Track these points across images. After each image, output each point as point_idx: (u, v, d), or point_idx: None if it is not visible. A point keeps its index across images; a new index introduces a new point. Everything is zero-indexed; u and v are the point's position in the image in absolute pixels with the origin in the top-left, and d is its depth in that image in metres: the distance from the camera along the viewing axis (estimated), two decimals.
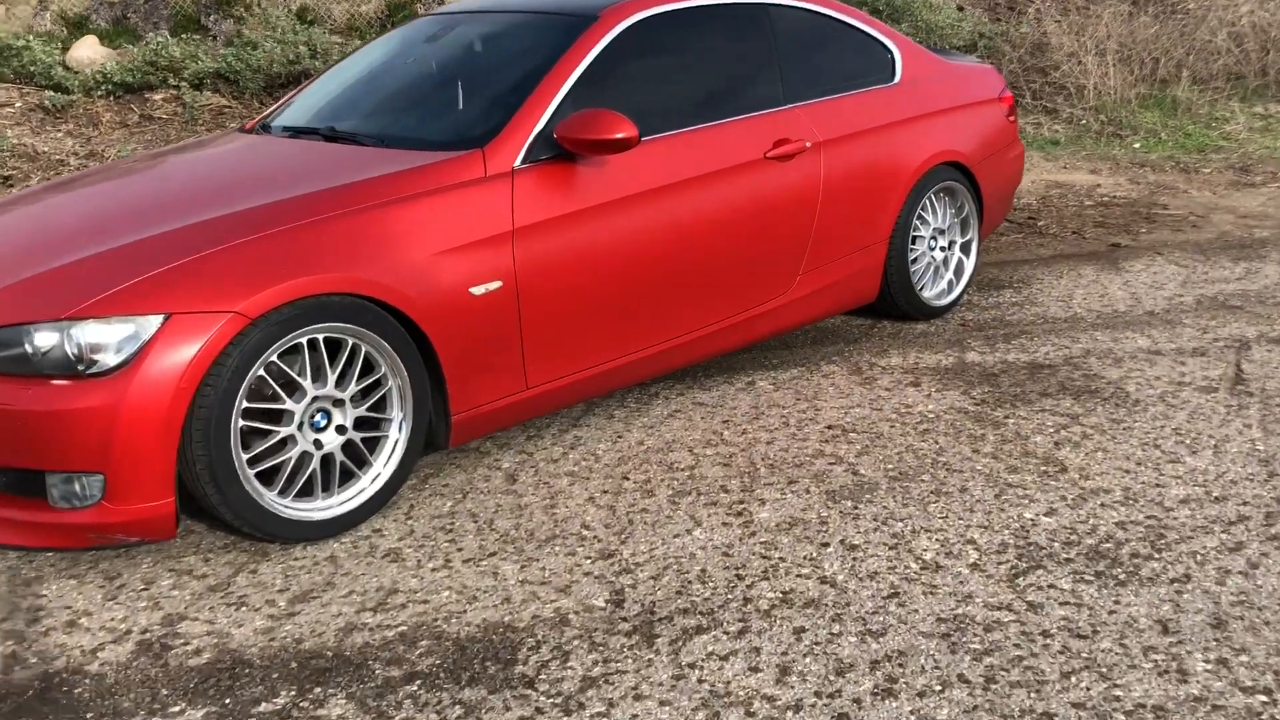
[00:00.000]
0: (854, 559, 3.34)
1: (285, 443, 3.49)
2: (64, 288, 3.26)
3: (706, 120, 4.48)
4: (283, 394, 3.41)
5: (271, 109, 4.99)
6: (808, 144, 4.72)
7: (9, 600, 3.28)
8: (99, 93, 9.26)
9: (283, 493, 3.48)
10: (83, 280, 3.27)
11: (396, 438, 3.68)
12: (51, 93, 9.17)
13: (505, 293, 3.78)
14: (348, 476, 3.65)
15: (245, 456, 3.37)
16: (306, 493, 3.55)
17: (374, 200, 3.61)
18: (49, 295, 3.24)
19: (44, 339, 3.12)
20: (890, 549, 3.39)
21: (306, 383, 3.45)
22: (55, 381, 3.15)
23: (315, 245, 3.41)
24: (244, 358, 3.26)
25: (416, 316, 3.58)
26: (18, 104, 9.04)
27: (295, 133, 4.50)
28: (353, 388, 3.55)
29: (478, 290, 3.71)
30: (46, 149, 8.22)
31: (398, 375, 3.62)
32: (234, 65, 9.40)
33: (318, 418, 3.52)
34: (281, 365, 3.39)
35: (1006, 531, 3.48)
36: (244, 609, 3.21)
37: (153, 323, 3.17)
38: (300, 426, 3.48)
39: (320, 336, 3.44)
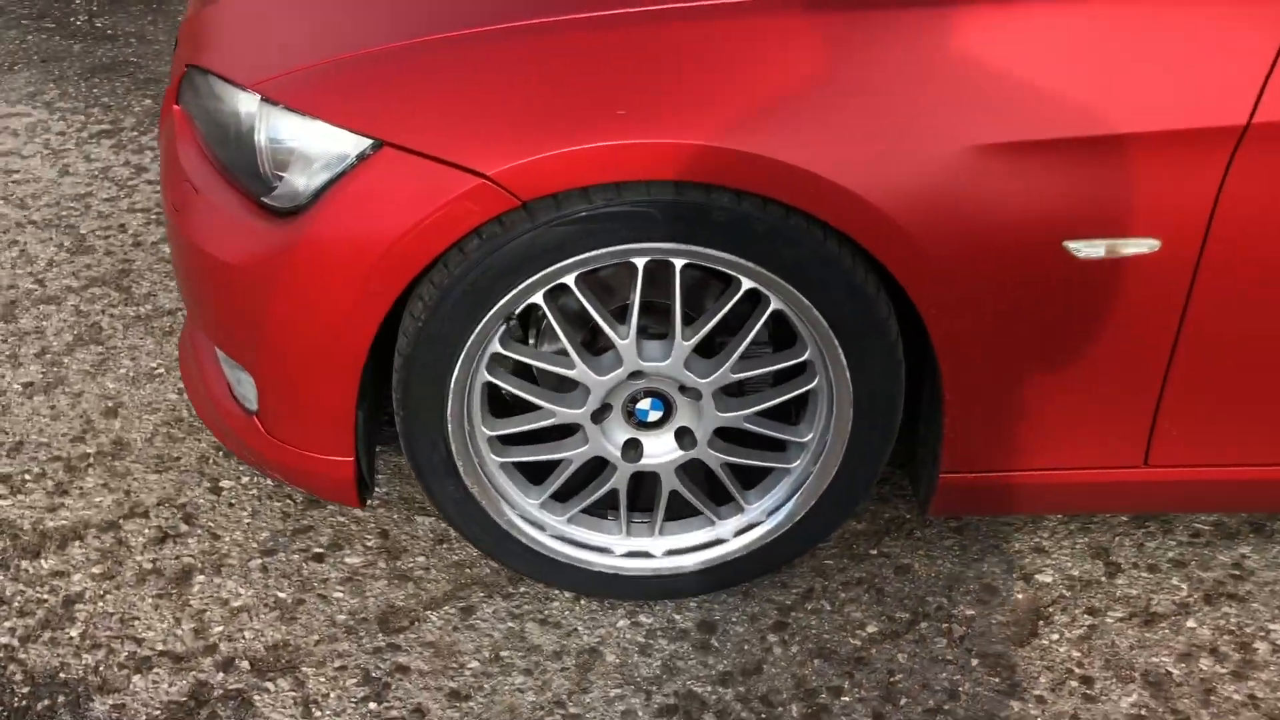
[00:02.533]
0: None
1: (565, 436, 1.86)
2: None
3: None
4: (570, 348, 1.73)
5: None
6: None
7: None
8: None
9: (557, 501, 1.88)
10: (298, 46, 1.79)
11: (796, 472, 1.86)
12: None
13: (1164, 265, 1.65)
14: (682, 507, 1.94)
15: (493, 432, 1.80)
16: (600, 511, 1.92)
17: None
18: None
19: (244, 106, 1.73)
20: None
21: (627, 339, 1.72)
22: (227, 202, 1.79)
23: (682, 70, 1.58)
24: (501, 268, 1.62)
25: (910, 283, 1.64)
26: None
27: None
28: (725, 367, 1.75)
29: (1088, 248, 1.63)
30: None
31: (829, 369, 1.75)
32: None
33: (644, 404, 1.80)
34: (585, 301, 1.69)
35: None
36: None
37: (350, 146, 1.63)
38: (602, 414, 1.79)
39: (680, 262, 1.66)
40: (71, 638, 1.88)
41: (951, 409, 1.75)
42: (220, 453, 2.22)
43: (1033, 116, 1.58)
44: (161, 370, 2.42)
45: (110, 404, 2.33)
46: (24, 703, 1.78)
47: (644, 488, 1.91)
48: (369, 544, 2.06)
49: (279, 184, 1.69)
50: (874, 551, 2.07)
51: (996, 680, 1.85)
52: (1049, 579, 2.03)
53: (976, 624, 1.94)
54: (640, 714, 1.79)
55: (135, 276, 2.69)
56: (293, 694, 1.81)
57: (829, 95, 1.57)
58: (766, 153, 1.55)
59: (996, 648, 1.91)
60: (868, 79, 1.57)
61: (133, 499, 2.12)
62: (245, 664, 1.85)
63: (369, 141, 1.61)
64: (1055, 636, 1.93)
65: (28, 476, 2.16)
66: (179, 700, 1.79)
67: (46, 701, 1.78)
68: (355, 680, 1.83)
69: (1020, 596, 2.00)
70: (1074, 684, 1.85)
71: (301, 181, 1.67)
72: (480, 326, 1.66)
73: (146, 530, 2.06)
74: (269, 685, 1.82)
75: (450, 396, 1.71)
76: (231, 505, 2.12)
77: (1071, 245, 1.62)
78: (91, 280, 2.67)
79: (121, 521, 2.08)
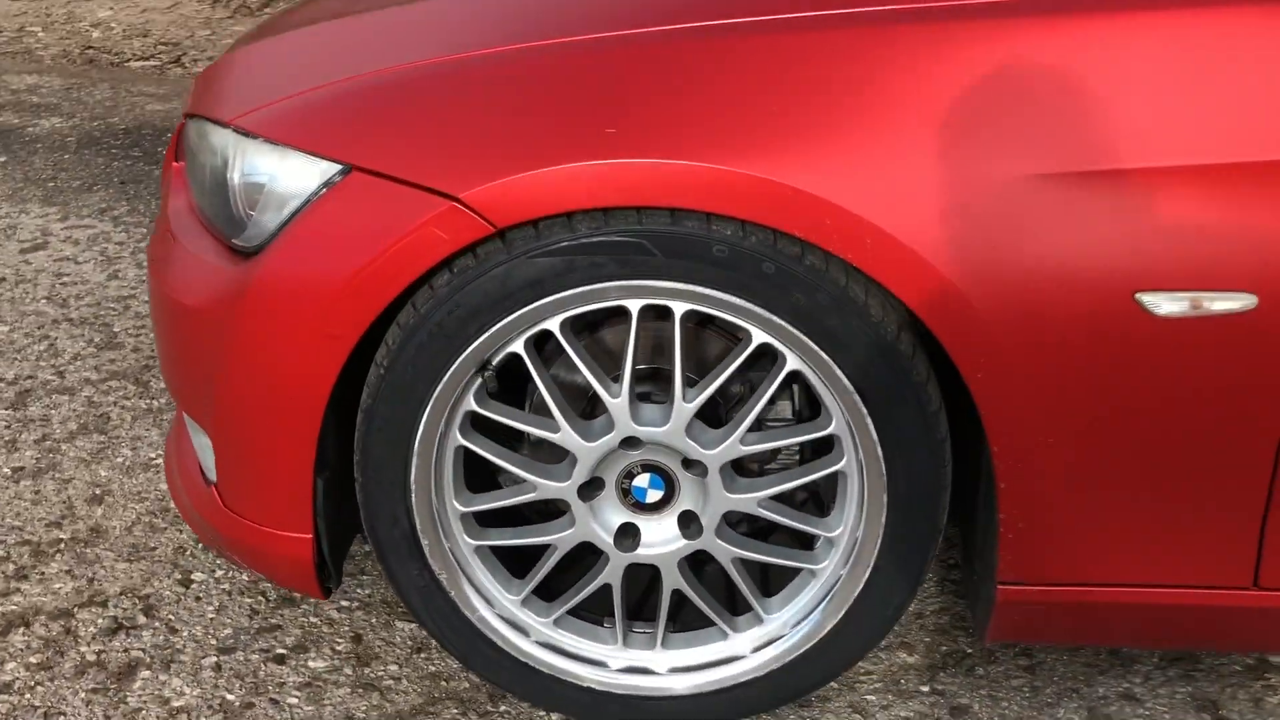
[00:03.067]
0: None
1: (552, 520, 1.62)
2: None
3: None
4: (556, 409, 1.50)
5: None
6: None
7: None
8: None
9: (542, 601, 1.61)
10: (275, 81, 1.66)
11: (825, 574, 1.56)
12: None
13: (1262, 326, 1.36)
14: (692, 619, 1.65)
15: (466, 509, 1.56)
16: (593, 610, 1.64)
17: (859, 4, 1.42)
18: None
19: (221, 143, 1.59)
20: None
21: (619, 398, 1.48)
22: (199, 248, 1.64)
23: (671, 86, 1.39)
24: (473, 308, 1.41)
25: (949, 338, 1.38)
26: None
27: None
28: (734, 437, 1.49)
29: (1167, 303, 1.36)
30: None
31: (858, 445, 1.48)
32: None
33: (641, 480, 1.54)
34: (570, 349, 1.47)
35: None
36: None
37: (317, 174, 1.47)
38: (591, 487, 1.54)
39: (680, 309, 1.44)
40: None
41: (1007, 501, 1.46)
42: (199, 545, 2.02)
43: (1096, 142, 1.34)
44: (158, 460, 2.25)
45: (98, 491, 2.17)
46: None
47: (649, 597, 1.64)
48: (338, 648, 1.80)
49: (249, 224, 1.54)
50: (925, 689, 1.73)
51: None
52: None
53: None
54: None
55: (156, 372, 2.57)
56: None
57: (852, 114, 1.36)
58: (776, 177, 1.34)
59: None
60: (899, 96, 1.36)
61: (94, 587, 1.92)
62: None
63: (337, 167, 1.45)
64: None
65: None
66: None
67: None
68: None
69: None
70: None
71: (269, 218, 1.51)
72: (449, 375, 1.45)
73: (100, 620, 1.85)
74: None
75: (415, 458, 1.49)
76: (198, 599, 1.90)
77: (1146, 299, 1.35)
78: (112, 374, 2.56)
79: (76, 610, 1.87)
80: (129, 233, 3.29)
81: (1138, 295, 1.35)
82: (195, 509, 1.72)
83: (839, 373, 1.41)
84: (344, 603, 1.89)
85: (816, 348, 1.40)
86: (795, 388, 1.60)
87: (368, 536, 1.57)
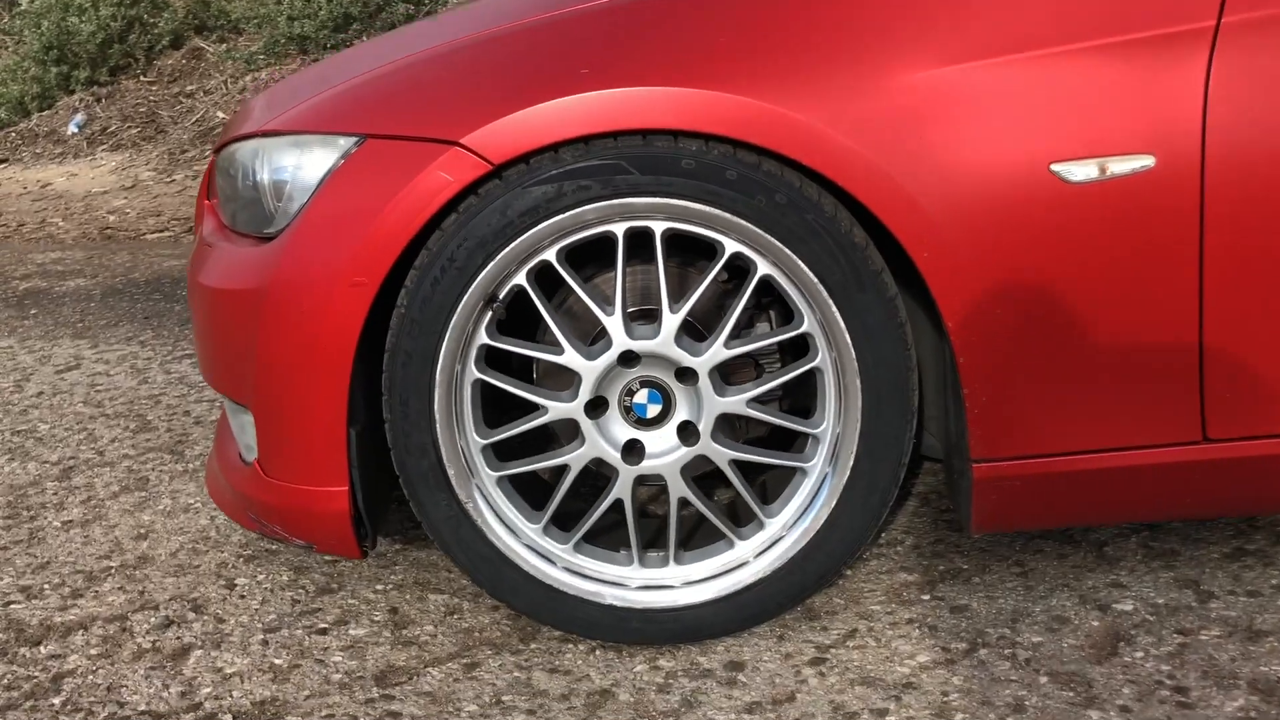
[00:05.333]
0: None
1: (559, 436, 1.79)
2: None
3: None
4: (561, 338, 1.69)
5: None
6: None
7: None
8: None
9: (557, 528, 1.75)
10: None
11: (814, 471, 1.71)
12: None
13: (1165, 184, 1.57)
14: (702, 538, 1.79)
15: (486, 440, 1.72)
16: (610, 539, 1.78)
17: None
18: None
19: (250, 151, 1.83)
20: None
21: (613, 315, 1.67)
22: (232, 245, 1.85)
23: (629, 30, 1.63)
24: (479, 239, 1.62)
25: (894, 223, 1.59)
26: None
27: None
28: (718, 342, 1.67)
29: (1079, 170, 1.57)
30: None
31: (831, 340, 1.66)
32: None
33: (641, 396, 1.71)
34: (567, 274, 1.66)
35: None
36: None
37: (335, 150, 1.70)
38: (596, 407, 1.71)
39: (660, 227, 1.64)
40: (53, 704, 1.76)
41: (968, 375, 1.62)
42: (240, 559, 2.16)
43: (1003, 33, 1.57)
44: (198, 504, 2.40)
45: (142, 531, 2.31)
46: None
47: (660, 536, 1.78)
48: (375, 618, 1.92)
49: (277, 214, 1.76)
50: (926, 597, 1.85)
51: (1069, 694, 1.58)
52: (1129, 607, 1.77)
53: (1044, 649, 1.69)
54: None
55: (190, 444, 2.74)
56: None
57: (791, 34, 1.60)
58: (727, 91, 1.57)
59: (1069, 667, 1.64)
60: (827, 13, 1.60)
61: (145, 597, 2.05)
62: (228, 718, 1.69)
63: (353, 139, 1.68)
64: (1140, 654, 1.66)
65: (46, 586, 2.12)
66: None
67: None
68: None
69: (1096, 624, 1.74)
70: (1165, 693, 1.57)
71: (295, 204, 1.73)
72: (462, 307, 1.64)
73: (153, 619, 1.98)
74: None
75: (437, 389, 1.66)
76: (243, 597, 2.03)
77: (1059, 168, 1.56)
78: (148, 449, 2.73)
79: (129, 614, 2.00)
80: (155, 350, 3.51)
81: (1052, 166, 1.56)
82: (237, 489, 1.88)
83: (803, 266, 1.60)
84: (379, 585, 2.02)
85: (781, 245, 1.60)
86: (772, 313, 1.79)
87: (399, 474, 1.72)
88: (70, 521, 2.38)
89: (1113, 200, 1.56)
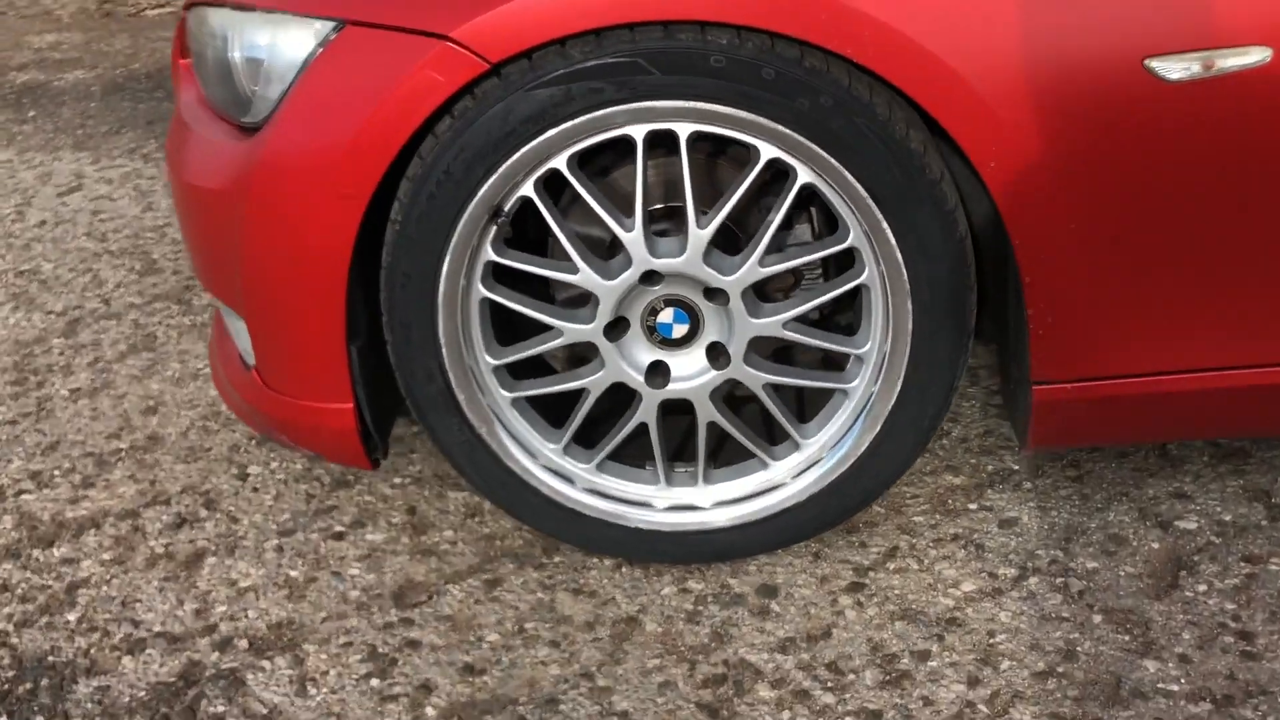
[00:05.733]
0: None
1: (580, 359, 1.63)
2: None
3: None
4: (571, 253, 1.50)
5: None
6: None
7: None
8: None
9: (578, 445, 1.63)
10: None
11: (857, 393, 1.56)
12: None
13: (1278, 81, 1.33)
14: (733, 454, 1.66)
15: (498, 361, 1.57)
16: (634, 454, 1.66)
17: None
18: None
19: (221, 23, 1.60)
20: None
21: (633, 231, 1.48)
22: (211, 133, 1.65)
23: None
24: (477, 149, 1.41)
25: (957, 128, 1.36)
26: None
27: None
28: (752, 259, 1.48)
29: (1177, 66, 1.32)
30: None
31: (879, 255, 1.46)
32: None
33: (665, 315, 1.54)
34: (580, 185, 1.46)
35: None
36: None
37: (312, 35, 1.47)
38: (616, 328, 1.55)
39: (685, 130, 1.42)
40: (68, 621, 1.71)
41: (1033, 295, 1.44)
42: (253, 441, 2.07)
43: None
44: (206, 370, 2.30)
45: (151, 403, 2.22)
46: (5, 686, 1.61)
47: (688, 441, 1.64)
48: (394, 520, 1.84)
49: (254, 100, 1.55)
50: (973, 506, 1.73)
51: (1125, 638, 1.48)
52: (1192, 525, 1.65)
53: (1099, 577, 1.58)
54: (681, 686, 1.50)
55: (197, 291, 2.61)
56: (289, 672, 1.59)
57: None
58: None
59: (1125, 602, 1.54)
60: None
61: (156, 488, 1.98)
62: (244, 643, 1.64)
63: (331, 24, 1.45)
64: (1202, 588, 1.55)
65: (57, 472, 2.05)
66: (167, 681, 1.59)
67: (29, 685, 1.61)
68: (360, 656, 1.60)
69: (1156, 546, 1.62)
70: (1228, 639, 1.46)
71: (273, 89, 1.52)
72: (463, 223, 1.45)
73: (165, 517, 1.91)
74: (264, 664, 1.60)
75: (440, 311, 1.51)
76: (256, 490, 1.95)
77: (1156, 64, 1.31)
78: (155, 297, 2.60)
79: (141, 510, 1.93)
80: (160, 167, 3.33)
81: (1147, 62, 1.32)
82: (240, 395, 1.76)
83: (850, 178, 1.40)
84: (397, 480, 1.93)
85: (825, 154, 1.39)
86: (813, 211, 1.59)
87: (405, 397, 1.59)
88: (78, 390, 2.28)
89: (1219, 100, 1.33)
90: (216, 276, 1.69)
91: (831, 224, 1.51)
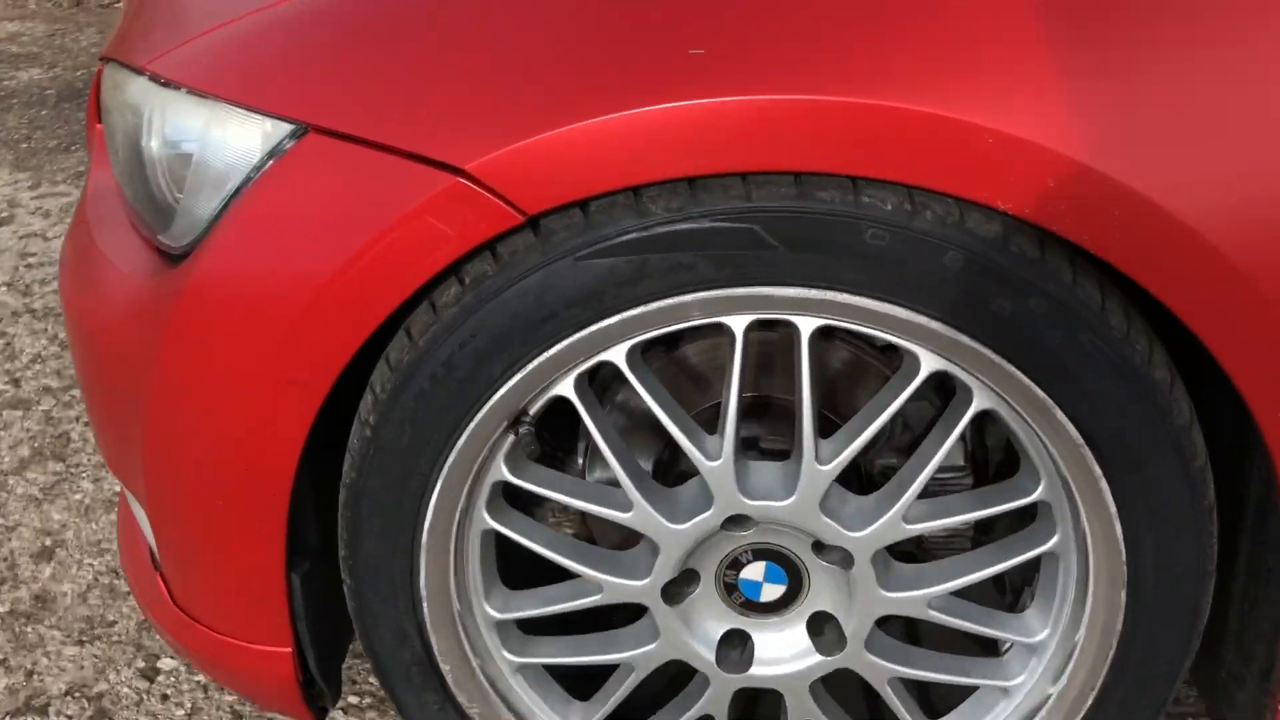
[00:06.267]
0: None
1: (625, 624, 1.13)
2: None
3: None
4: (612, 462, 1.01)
5: None
6: None
7: None
8: None
9: None
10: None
11: (1020, 693, 1.07)
12: None
13: None
14: None
15: (503, 615, 1.08)
16: None
17: None
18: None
19: (138, 97, 1.10)
20: None
21: (719, 461, 0.99)
22: (118, 249, 1.16)
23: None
24: (496, 334, 0.93)
25: (1224, 346, 0.88)
26: None
27: None
28: (895, 509, 0.99)
29: None
30: None
31: (1080, 516, 0.98)
32: None
33: (753, 571, 1.06)
34: (646, 394, 0.98)
35: None
36: None
37: (259, 137, 0.99)
38: (683, 588, 1.06)
39: (809, 323, 0.94)
40: None
41: None
42: None
43: None
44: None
45: (49, 542, 1.73)
46: None
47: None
48: None
49: (177, 212, 1.06)
50: None
51: None
52: None
53: None
54: None
55: None
56: None
57: (1085, 35, 0.85)
58: (961, 115, 0.84)
59: None
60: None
61: (33, 684, 1.49)
62: None
63: (286, 127, 0.97)
64: None
65: None
66: None
67: None
68: None
69: None
70: None
71: (202, 203, 1.03)
72: (467, 436, 0.97)
73: None
74: None
75: (424, 554, 1.02)
76: (165, 698, 1.46)
77: None
78: (73, 383, 2.11)
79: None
80: None
81: None
82: (144, 604, 1.27)
83: (1060, 415, 0.92)
84: (352, 699, 1.45)
85: (1025, 377, 0.91)
86: (971, 431, 1.10)
87: (369, 660, 1.10)
88: None
89: None
90: (112, 446, 1.20)
91: (1003, 459, 1.03)
